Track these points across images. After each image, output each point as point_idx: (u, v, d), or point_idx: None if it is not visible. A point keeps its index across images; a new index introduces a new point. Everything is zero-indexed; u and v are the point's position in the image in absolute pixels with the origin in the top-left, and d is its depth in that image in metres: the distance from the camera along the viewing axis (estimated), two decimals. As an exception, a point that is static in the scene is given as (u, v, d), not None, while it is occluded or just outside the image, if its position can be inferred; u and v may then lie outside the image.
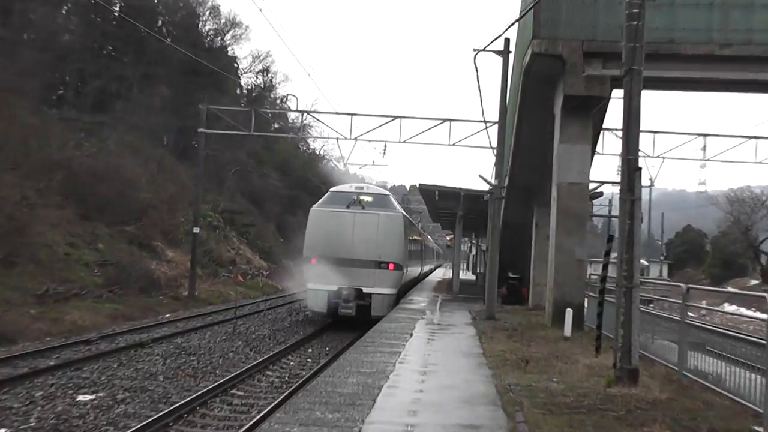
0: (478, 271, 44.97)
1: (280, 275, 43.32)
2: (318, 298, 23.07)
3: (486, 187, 21.37)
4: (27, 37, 35.81)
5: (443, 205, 31.40)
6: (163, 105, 41.62)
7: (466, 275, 60.49)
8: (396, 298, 24.41)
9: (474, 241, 62.11)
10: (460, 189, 27.85)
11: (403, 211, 27.46)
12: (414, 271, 31.60)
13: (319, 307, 23.15)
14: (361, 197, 24.22)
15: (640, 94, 9.72)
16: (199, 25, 51.29)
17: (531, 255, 24.37)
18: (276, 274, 42.55)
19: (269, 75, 60.53)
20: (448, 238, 61.13)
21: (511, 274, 26.08)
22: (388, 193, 26.75)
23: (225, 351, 17.18)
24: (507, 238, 26.06)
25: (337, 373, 10.25)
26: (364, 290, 22.96)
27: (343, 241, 23.38)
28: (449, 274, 59.43)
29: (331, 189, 25.61)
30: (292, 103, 72.67)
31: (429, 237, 59.33)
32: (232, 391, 13.15)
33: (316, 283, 23.13)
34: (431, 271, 61.79)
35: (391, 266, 23.46)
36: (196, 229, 29.58)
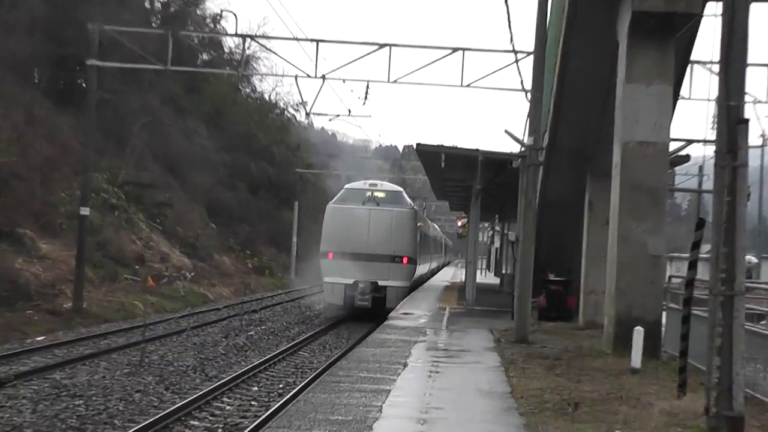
0: (504, 271, 46.65)
1: (212, 278, 43.16)
2: (335, 291, 34.13)
3: (516, 149, 21.35)
4: None
5: (453, 175, 31.89)
6: (32, 25, 41.06)
7: (485, 277, 59.65)
8: (408, 291, 35.79)
9: (497, 228, 62.30)
10: (478, 151, 28.34)
11: (415, 206, 38.87)
12: (424, 266, 43.52)
13: (336, 300, 34.26)
14: (376, 194, 35.25)
15: (748, 8, 9.62)
16: None
17: (582, 248, 24.47)
18: (205, 277, 42.46)
19: (194, -20, 59.92)
20: (459, 224, 62.10)
21: (552, 277, 26.56)
22: (400, 189, 38.44)
23: (128, 391, 17.10)
24: (547, 224, 26.24)
25: (295, 422, 10.20)
26: (380, 283, 33.91)
27: (358, 237, 34.15)
28: (461, 275, 57.82)
29: (345, 186, 38.26)
30: (229, 24, 71.41)
31: (434, 225, 61.32)
32: (138, 451, 13.09)
33: (332, 277, 34.11)
34: (438, 269, 66.15)
35: (405, 260, 34.49)
36: (85, 211, 29.40)
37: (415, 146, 30.20)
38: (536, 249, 20.56)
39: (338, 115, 40.27)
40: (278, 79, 78.51)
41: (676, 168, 33.51)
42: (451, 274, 66.07)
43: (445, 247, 79.05)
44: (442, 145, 28.82)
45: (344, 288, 33.72)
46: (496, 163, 27.72)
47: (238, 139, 60.51)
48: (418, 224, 37.76)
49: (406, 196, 37.60)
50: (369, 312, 32.96)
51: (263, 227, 60.68)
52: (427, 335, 20.34)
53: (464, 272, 44.00)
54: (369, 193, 35.37)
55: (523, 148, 20.58)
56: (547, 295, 26.14)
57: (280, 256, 60.71)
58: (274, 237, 61.58)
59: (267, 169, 63.79)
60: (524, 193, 19.97)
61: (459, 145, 28.73)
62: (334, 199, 36.34)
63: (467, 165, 29.15)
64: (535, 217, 20.38)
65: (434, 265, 58.99)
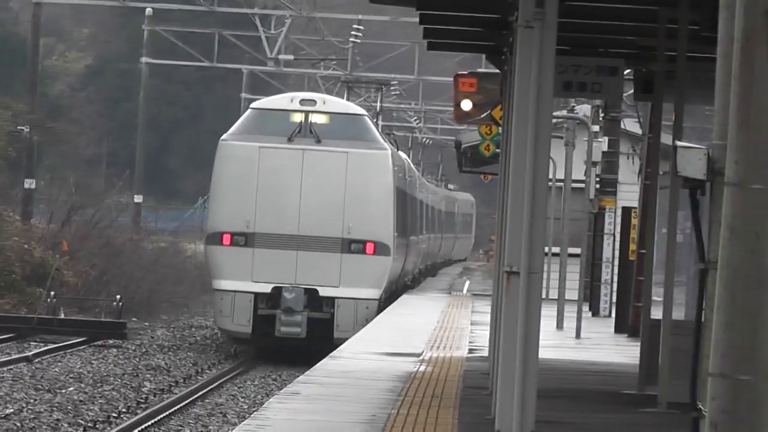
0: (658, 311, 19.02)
1: None
2: (236, 308, 26.35)
3: None
4: None
5: None
6: None
7: (578, 339, 28.30)
8: (378, 308, 26.89)
9: (626, 128, 33.94)
10: None
11: (390, 144, 29.27)
12: (408, 260, 33.04)
13: (239, 324, 26.53)
14: (314, 120, 26.39)
15: None
16: None
17: None
18: None
19: None
20: (464, 106, 24.51)
21: None
22: (362, 111, 29.14)
23: None
24: None
25: None
26: (322, 292, 26.25)
27: (281, 204, 26.28)
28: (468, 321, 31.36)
29: (252, 105, 29.03)
30: None
31: (416, 176, 45.82)
32: None
33: (231, 281, 26.43)
34: (419, 270, 48.21)
35: (370, 248, 26.25)
36: None
37: None
38: None
39: None
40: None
41: None
42: (447, 313, 32.68)
43: (441, 219, 58.17)
44: None
45: (253, 302, 26.68)
46: None
47: None
48: (402, 185, 30.24)
49: (370, 124, 28.60)
50: (302, 349, 26.22)
51: None
52: None
53: (489, 318, 20.52)
54: (300, 118, 26.54)
55: None
56: None
57: None
58: None
59: None
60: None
61: None
62: (233, 128, 28.18)
63: None
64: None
65: (428, 254, 45.98)
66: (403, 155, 41.86)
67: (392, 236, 27.16)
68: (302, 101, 27.40)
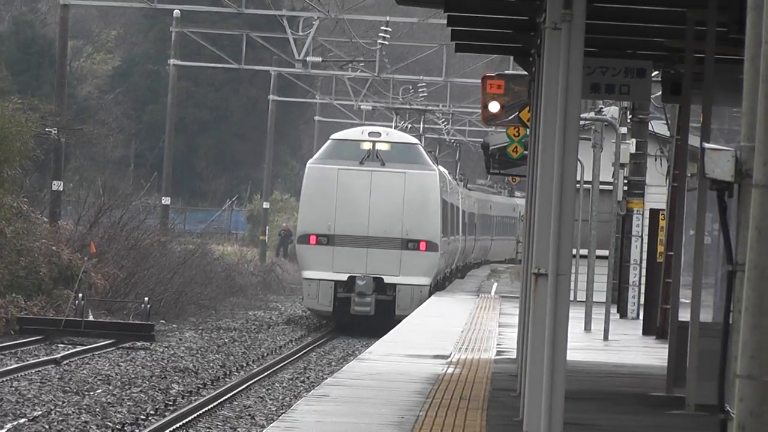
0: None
1: None
2: (320, 292, 34.44)
3: None
4: None
5: None
6: None
7: (605, 342, 27.84)
8: (429, 292, 35.11)
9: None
10: None
11: (440, 167, 37.01)
12: (450, 256, 41.88)
13: (322, 305, 34.69)
14: (379, 147, 34.71)
15: None
16: None
17: None
18: None
19: None
20: (492, 108, 23.50)
21: None
22: (416, 140, 38.37)
23: None
24: None
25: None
26: (386, 280, 34.41)
27: (354, 212, 34.16)
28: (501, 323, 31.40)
29: (332, 136, 37.10)
30: None
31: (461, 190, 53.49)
32: None
33: (316, 272, 34.31)
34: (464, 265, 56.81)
35: (423, 245, 34.35)
36: None
37: None
38: None
39: None
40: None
41: None
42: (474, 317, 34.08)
43: (488, 223, 66.42)
44: None
45: (333, 287, 34.45)
46: None
47: None
48: (448, 198, 38.57)
49: (422, 150, 37.47)
50: (370, 323, 33.71)
51: None
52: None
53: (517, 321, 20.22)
54: (369, 147, 34.97)
55: None
56: None
57: None
58: None
59: None
60: None
61: None
62: (317, 155, 36.83)
63: None
64: None
65: (472, 253, 58.16)
66: (443, 169, 49.19)
67: (440, 237, 35.49)
68: (370, 133, 36.18)
